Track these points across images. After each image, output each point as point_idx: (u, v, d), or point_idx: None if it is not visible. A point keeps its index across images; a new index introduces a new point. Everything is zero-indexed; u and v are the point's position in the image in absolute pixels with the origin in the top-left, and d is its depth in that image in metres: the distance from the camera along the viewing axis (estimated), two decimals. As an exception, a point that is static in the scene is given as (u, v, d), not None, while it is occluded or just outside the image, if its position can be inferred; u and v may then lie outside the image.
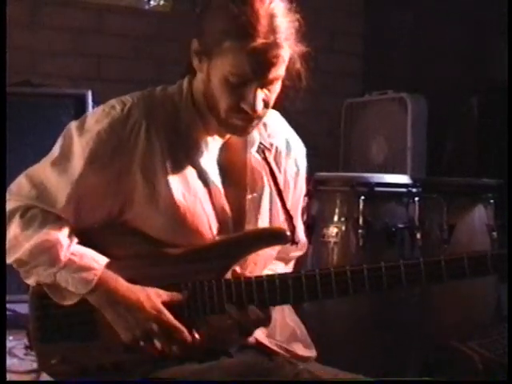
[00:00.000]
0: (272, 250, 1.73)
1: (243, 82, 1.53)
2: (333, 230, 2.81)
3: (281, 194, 1.70)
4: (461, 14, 3.98)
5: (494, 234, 2.99)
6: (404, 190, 2.88)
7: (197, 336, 1.58)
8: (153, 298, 1.57)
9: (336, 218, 2.82)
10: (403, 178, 2.99)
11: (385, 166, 4.05)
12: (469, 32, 3.93)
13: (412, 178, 2.97)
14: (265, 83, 1.55)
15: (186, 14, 4.05)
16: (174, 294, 1.59)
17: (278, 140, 1.76)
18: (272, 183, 1.70)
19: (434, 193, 2.93)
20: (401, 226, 2.82)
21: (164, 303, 1.58)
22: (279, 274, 1.62)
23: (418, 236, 2.85)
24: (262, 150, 1.71)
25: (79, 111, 3.19)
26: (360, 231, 2.75)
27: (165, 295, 1.59)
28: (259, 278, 1.59)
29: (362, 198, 2.76)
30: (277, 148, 1.74)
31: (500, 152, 3.54)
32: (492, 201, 3.01)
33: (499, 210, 3.02)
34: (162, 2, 4.15)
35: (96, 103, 3.22)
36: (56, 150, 1.64)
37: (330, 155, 4.25)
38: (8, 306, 2.71)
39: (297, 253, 1.86)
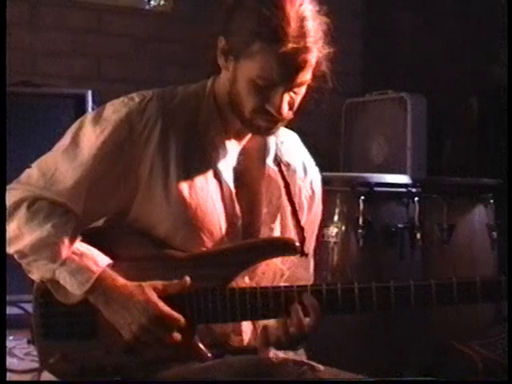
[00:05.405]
0: (282, 265, 1.71)
1: (270, 84, 1.53)
2: (333, 230, 2.81)
3: (294, 205, 1.70)
4: (461, 14, 3.98)
5: (494, 233, 2.99)
6: (404, 189, 2.89)
7: (202, 346, 1.57)
8: (147, 291, 1.55)
9: (336, 218, 2.82)
10: (403, 178, 2.99)
11: (385, 166, 4.05)
12: (469, 32, 3.92)
13: (412, 178, 2.98)
14: (292, 87, 1.55)
15: (186, 14, 4.07)
16: (170, 284, 1.56)
17: (294, 160, 1.75)
18: (285, 194, 1.70)
19: (434, 193, 2.93)
20: (401, 226, 2.82)
21: (160, 294, 1.56)
22: (285, 287, 1.58)
23: (418, 236, 2.85)
24: (277, 162, 1.71)
25: (79, 111, 3.18)
26: (360, 231, 2.75)
27: (160, 286, 1.56)
28: (264, 289, 1.57)
29: (362, 198, 2.76)
30: (290, 166, 1.74)
31: (500, 152, 3.54)
32: (492, 201, 3.01)
33: (499, 210, 3.03)
34: (162, 2, 4.14)
35: (96, 103, 3.21)
36: (67, 140, 1.64)
37: (330, 155, 4.24)
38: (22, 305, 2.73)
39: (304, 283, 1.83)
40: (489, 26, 3.79)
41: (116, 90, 1.78)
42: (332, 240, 2.80)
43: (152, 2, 4.14)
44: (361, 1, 4.67)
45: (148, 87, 1.70)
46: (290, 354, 1.71)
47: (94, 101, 3.25)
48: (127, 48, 4.11)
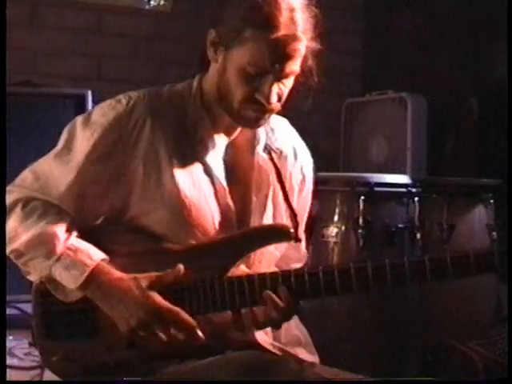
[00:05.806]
0: (276, 252, 1.73)
1: (260, 73, 1.55)
2: (333, 230, 2.81)
3: (285, 191, 1.71)
4: (461, 14, 3.98)
5: (494, 233, 2.99)
6: (404, 190, 2.89)
7: (200, 334, 1.57)
8: (143, 284, 1.55)
9: (336, 218, 2.82)
10: (403, 178, 2.99)
11: (385, 166, 4.05)
12: (469, 32, 3.93)
13: (412, 178, 2.98)
14: (281, 76, 1.58)
15: (186, 14, 4.08)
16: (165, 274, 1.56)
17: (285, 146, 1.76)
18: (277, 182, 1.71)
19: (434, 193, 2.93)
20: (401, 226, 2.82)
21: (157, 286, 1.55)
22: (282, 271, 1.60)
23: (418, 236, 2.85)
24: (268, 150, 1.72)
25: (79, 111, 3.15)
26: (360, 231, 2.75)
27: (155, 277, 1.56)
28: (262, 276, 1.58)
29: (362, 198, 2.76)
30: (282, 152, 1.75)
31: (500, 152, 3.54)
32: (492, 201, 3.01)
33: (499, 209, 3.03)
34: (162, 2, 4.15)
35: (96, 103, 3.19)
36: (60, 144, 1.66)
37: (330, 155, 4.24)
38: (18, 305, 2.73)
39: (297, 264, 1.83)
40: (489, 26, 3.79)
41: (116, 90, 1.78)
42: (332, 240, 2.80)
43: (152, 2, 4.14)
44: (361, 1, 4.67)
45: (148, 87, 1.70)
46: (303, 353, 1.74)
47: (93, 101, 3.25)
48: (127, 48, 4.11)
